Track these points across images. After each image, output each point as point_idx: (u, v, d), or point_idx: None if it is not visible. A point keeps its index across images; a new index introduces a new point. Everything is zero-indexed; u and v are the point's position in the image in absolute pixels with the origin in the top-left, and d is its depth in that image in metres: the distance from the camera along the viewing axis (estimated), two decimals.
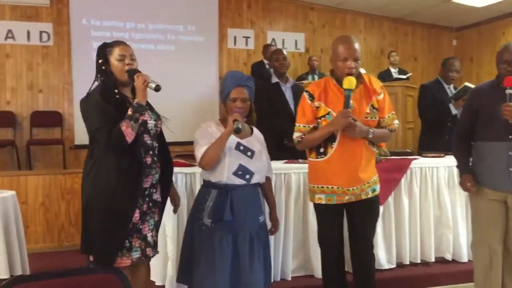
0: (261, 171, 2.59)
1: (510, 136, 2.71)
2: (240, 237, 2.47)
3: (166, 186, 2.61)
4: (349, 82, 2.49)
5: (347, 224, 2.83)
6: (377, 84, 2.74)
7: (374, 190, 2.76)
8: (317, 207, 2.77)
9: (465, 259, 3.81)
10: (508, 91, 2.64)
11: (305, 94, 2.71)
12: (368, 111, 2.65)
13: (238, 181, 2.49)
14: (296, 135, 2.72)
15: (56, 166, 6.16)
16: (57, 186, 4.81)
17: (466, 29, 8.64)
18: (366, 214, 2.78)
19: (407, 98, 5.71)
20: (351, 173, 2.63)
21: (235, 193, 2.48)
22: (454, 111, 4.25)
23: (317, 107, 2.66)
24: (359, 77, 2.62)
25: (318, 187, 2.71)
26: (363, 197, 2.70)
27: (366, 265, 2.84)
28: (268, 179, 2.75)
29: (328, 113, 2.63)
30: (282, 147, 3.88)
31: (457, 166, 2.98)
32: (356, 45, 2.60)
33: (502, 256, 2.81)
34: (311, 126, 2.68)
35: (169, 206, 2.71)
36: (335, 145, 2.62)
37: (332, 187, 2.66)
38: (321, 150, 2.67)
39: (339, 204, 2.69)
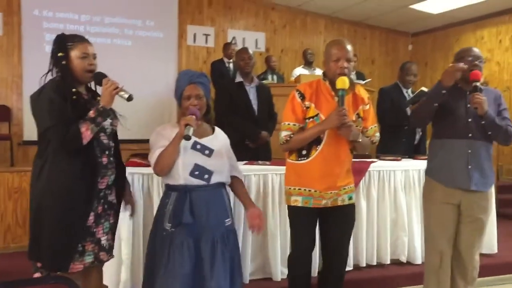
0: (222, 170, 2.45)
1: (470, 134, 2.77)
2: (202, 240, 2.33)
3: (121, 188, 2.53)
4: (342, 82, 2.47)
5: (321, 232, 2.79)
6: (364, 94, 2.73)
7: (350, 198, 2.74)
8: (293, 209, 2.70)
9: (419, 261, 3.87)
10: (474, 84, 2.71)
11: (295, 93, 2.64)
12: (354, 119, 2.63)
13: (197, 182, 2.35)
14: (284, 133, 2.62)
15: (3, 163, 5.84)
16: (3, 184, 4.57)
17: (421, 34, 8.88)
18: (343, 223, 2.74)
19: None
20: (331, 178, 2.61)
21: (195, 194, 2.34)
22: None
23: (307, 107, 2.60)
24: (351, 83, 2.58)
25: (295, 189, 2.66)
26: (339, 203, 2.68)
27: (338, 280, 2.81)
28: (237, 180, 2.62)
29: (317, 115, 2.58)
30: (242, 148, 3.80)
31: (432, 94, 2.81)
32: (349, 47, 2.57)
33: (452, 257, 2.89)
34: (301, 125, 2.61)
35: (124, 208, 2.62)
36: (320, 147, 2.59)
37: (310, 190, 2.63)
38: (304, 152, 2.63)
39: (315, 208, 2.65)
